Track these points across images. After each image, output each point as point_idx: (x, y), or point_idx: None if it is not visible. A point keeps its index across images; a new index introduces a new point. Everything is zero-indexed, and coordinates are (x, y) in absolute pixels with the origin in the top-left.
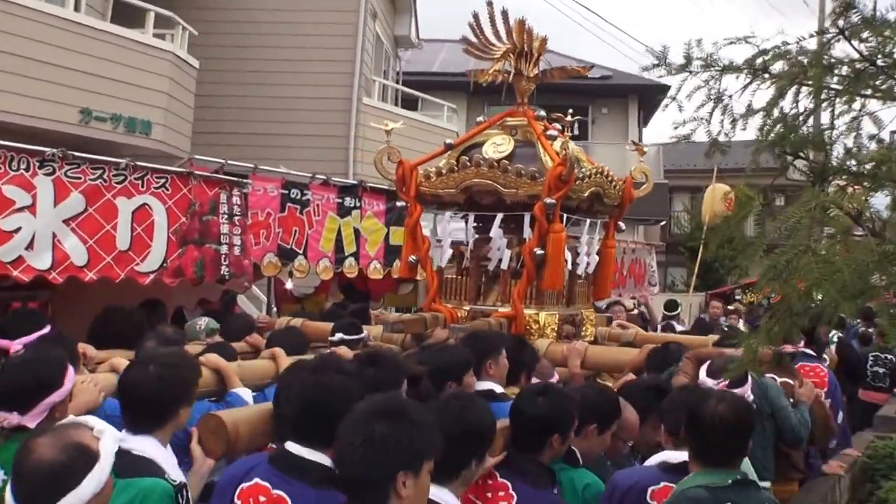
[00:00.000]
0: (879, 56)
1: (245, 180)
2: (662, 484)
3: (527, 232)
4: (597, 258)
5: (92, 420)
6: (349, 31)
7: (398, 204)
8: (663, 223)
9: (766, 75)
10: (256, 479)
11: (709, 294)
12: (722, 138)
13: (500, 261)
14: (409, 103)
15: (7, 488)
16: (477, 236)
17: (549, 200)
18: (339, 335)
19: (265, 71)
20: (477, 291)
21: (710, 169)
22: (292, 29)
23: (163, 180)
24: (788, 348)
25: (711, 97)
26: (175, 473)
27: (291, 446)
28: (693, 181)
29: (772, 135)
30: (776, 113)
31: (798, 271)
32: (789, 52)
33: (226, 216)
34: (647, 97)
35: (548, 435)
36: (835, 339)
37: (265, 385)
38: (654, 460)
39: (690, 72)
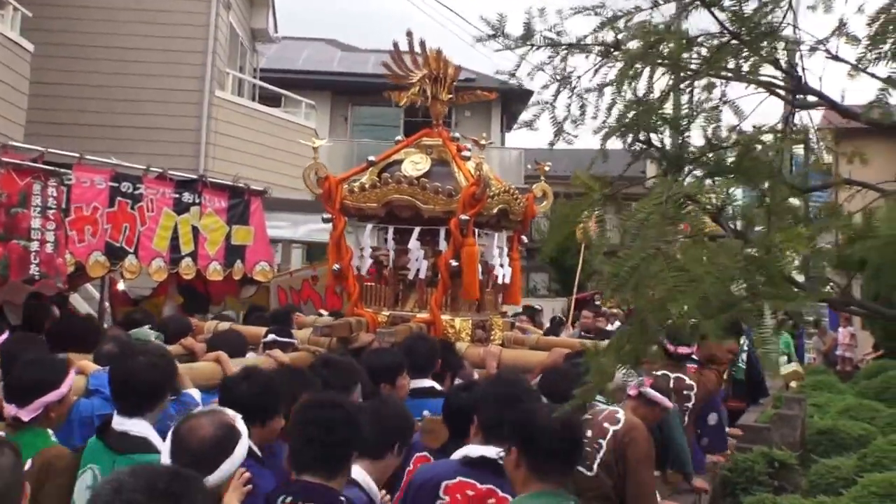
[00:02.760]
0: (742, 27)
1: (65, 171)
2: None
3: (442, 245)
4: (509, 269)
5: (225, 408)
6: (200, 20)
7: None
8: None
9: (618, 53)
10: (460, 478)
11: (570, 299)
12: (569, 127)
13: (417, 270)
14: (273, 101)
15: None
16: (396, 247)
17: (463, 217)
18: (271, 336)
19: (110, 59)
20: (395, 298)
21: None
22: (138, 16)
23: None
24: (684, 350)
25: (557, 77)
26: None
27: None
28: (555, 187)
29: (626, 118)
30: (629, 94)
31: (649, 280)
32: (644, 24)
33: (38, 209)
34: (511, 101)
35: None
36: (745, 348)
37: (212, 386)
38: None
39: (532, 45)
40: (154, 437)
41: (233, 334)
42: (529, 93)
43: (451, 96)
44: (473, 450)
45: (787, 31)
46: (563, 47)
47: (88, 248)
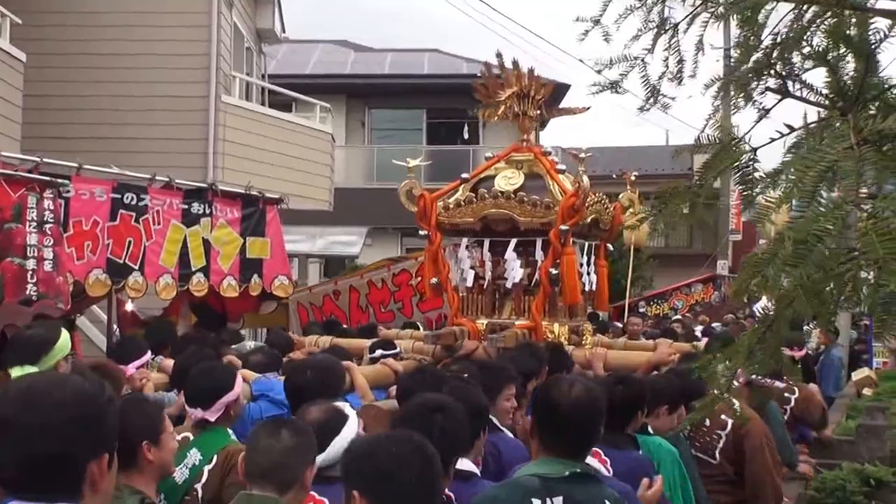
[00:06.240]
0: None
1: (63, 181)
2: None
3: (539, 254)
4: (594, 277)
5: (339, 403)
6: (202, 20)
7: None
8: None
9: None
10: None
11: (613, 307)
12: (665, 87)
13: (514, 279)
14: (284, 108)
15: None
16: (492, 258)
17: (563, 227)
18: (379, 351)
19: (107, 67)
20: (492, 307)
21: (615, 176)
22: (136, 19)
23: None
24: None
25: (650, 25)
26: None
27: None
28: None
29: (754, 55)
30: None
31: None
32: None
33: (35, 224)
34: (546, 104)
35: (633, 412)
36: None
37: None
38: None
39: None
40: None
41: (340, 349)
42: (565, 87)
43: (539, 112)
44: None
45: None
46: None
47: (88, 266)
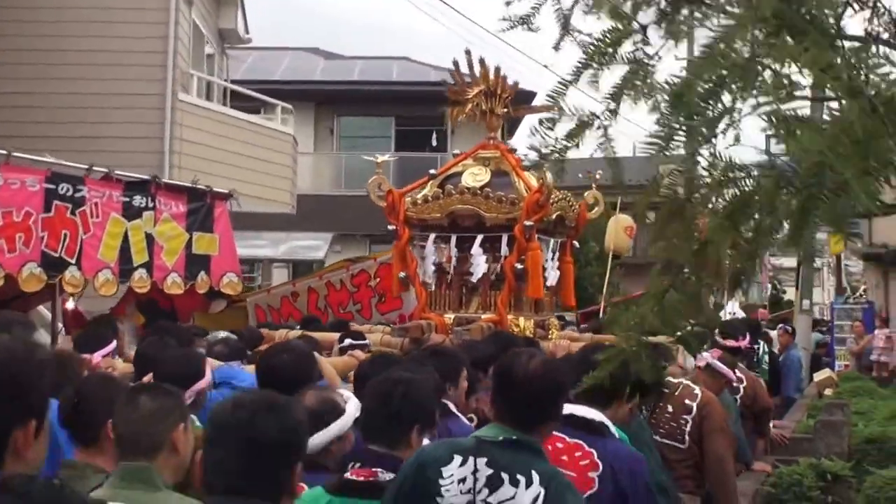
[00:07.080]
0: None
1: None
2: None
3: (504, 249)
4: (557, 273)
5: (342, 390)
6: (159, 17)
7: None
8: None
9: None
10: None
11: (580, 313)
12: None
13: (482, 274)
14: (252, 113)
15: None
16: (458, 254)
17: (528, 223)
18: (347, 341)
19: (60, 63)
20: (459, 301)
21: (580, 175)
22: (91, 15)
23: None
24: (734, 343)
25: None
26: None
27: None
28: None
29: None
30: None
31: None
32: None
33: None
34: (513, 104)
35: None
36: (766, 350)
37: None
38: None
39: None
40: None
41: (311, 339)
42: (532, 94)
43: (505, 110)
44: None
45: None
46: None
47: (21, 259)
